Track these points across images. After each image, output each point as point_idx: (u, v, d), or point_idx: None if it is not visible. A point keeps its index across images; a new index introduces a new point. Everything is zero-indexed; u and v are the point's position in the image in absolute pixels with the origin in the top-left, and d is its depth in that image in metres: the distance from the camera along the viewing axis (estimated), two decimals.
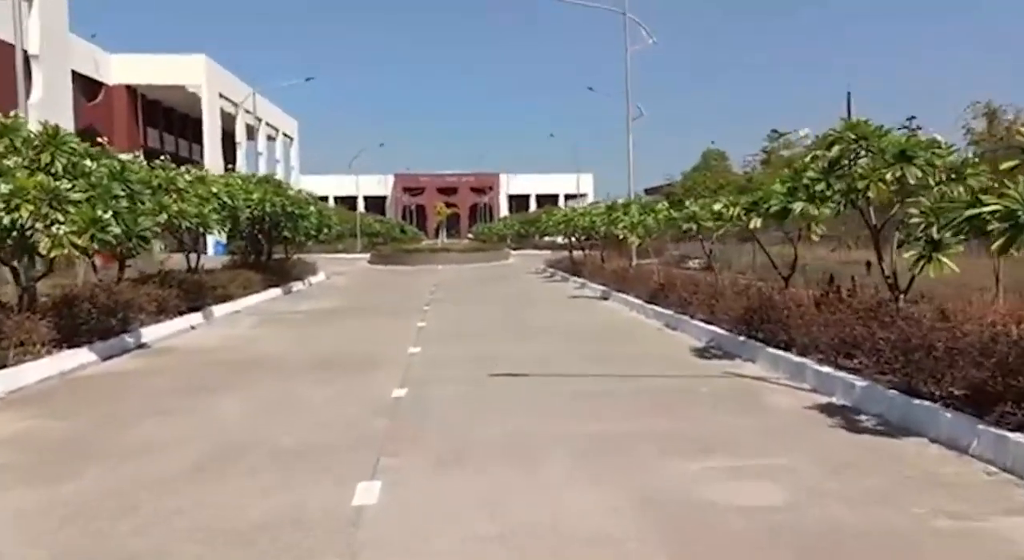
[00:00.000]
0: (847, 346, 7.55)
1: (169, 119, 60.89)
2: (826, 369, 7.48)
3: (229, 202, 16.77)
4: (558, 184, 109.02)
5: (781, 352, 8.53)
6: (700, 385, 7.93)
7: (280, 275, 22.66)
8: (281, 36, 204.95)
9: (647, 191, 44.12)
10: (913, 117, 9.23)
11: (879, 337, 7.07)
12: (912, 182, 7.30)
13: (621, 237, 18.13)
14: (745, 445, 5.68)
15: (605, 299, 17.67)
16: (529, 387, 8.00)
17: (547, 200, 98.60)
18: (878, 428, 6.00)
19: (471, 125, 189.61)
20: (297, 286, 23.36)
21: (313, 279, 26.18)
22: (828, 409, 6.66)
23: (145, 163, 13.77)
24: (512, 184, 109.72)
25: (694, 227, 13.15)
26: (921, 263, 6.47)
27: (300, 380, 8.55)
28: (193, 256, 17.91)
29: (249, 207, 19.50)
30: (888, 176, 7.34)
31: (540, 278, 27.06)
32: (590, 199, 76.46)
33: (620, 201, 22.46)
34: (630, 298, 15.88)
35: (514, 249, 53.74)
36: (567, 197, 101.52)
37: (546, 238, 66.87)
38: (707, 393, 7.59)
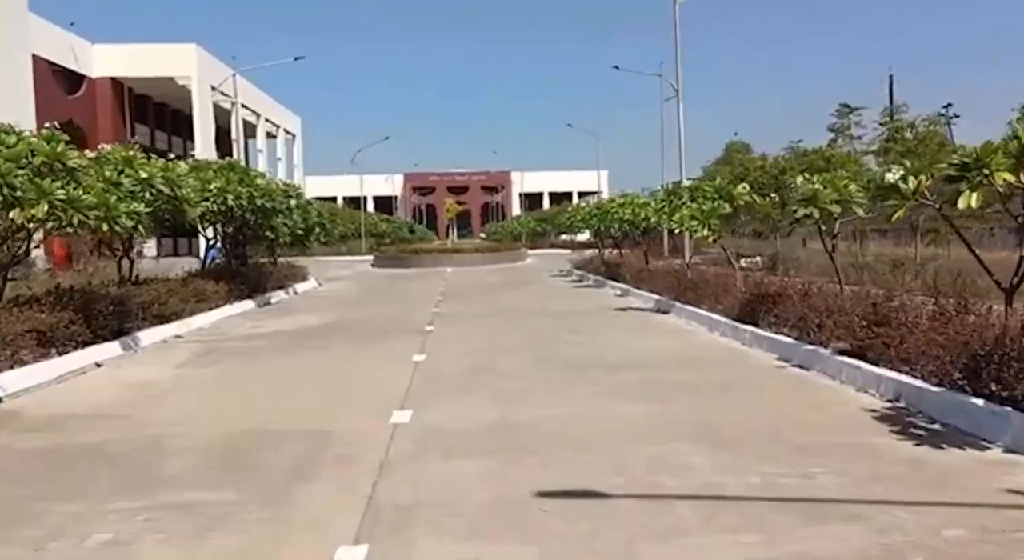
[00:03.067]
0: None
1: (160, 115, 57.15)
2: None
3: (168, 192, 12.74)
4: (572, 181, 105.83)
5: None
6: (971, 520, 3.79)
7: (256, 283, 18.65)
8: (280, 29, 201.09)
9: (662, 187, 40.08)
10: None
11: None
12: None
13: (680, 231, 13.99)
14: None
15: (664, 313, 13.49)
16: (627, 534, 3.86)
17: (560, 198, 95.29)
18: None
19: (482, 122, 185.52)
20: (277, 296, 19.33)
21: (300, 287, 22.17)
22: None
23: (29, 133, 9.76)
24: (524, 182, 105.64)
25: (814, 213, 8.98)
26: None
27: (160, 520, 4.44)
28: (128, 263, 13.98)
29: (207, 200, 15.52)
30: None
31: (567, 283, 22.88)
32: (605, 197, 72.52)
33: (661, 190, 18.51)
34: (704, 313, 11.71)
35: (530, 248, 49.50)
36: (581, 194, 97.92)
37: (563, 237, 63.09)
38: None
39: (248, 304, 16.94)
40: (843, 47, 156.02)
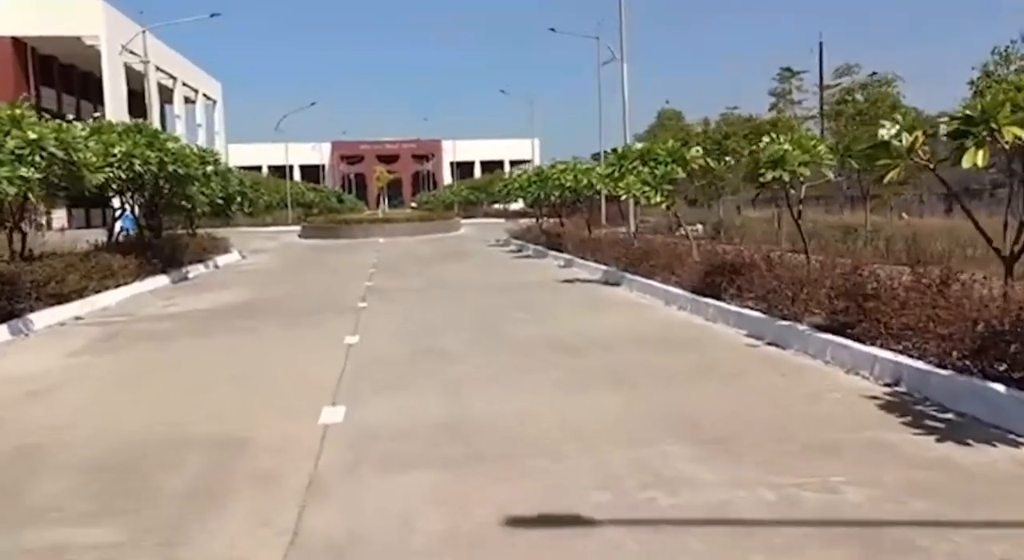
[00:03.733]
0: None
1: (68, 78, 53.69)
2: None
3: (62, 156, 11.29)
4: (503, 150, 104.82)
5: None
6: None
7: (171, 257, 17.21)
8: None
9: (594, 157, 39.41)
10: None
11: None
12: None
13: (626, 198, 13.22)
14: None
15: (614, 285, 12.71)
16: None
17: (492, 166, 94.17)
18: None
19: (413, 88, 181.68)
20: (195, 271, 17.93)
21: (221, 260, 20.74)
22: None
23: None
24: (456, 151, 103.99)
25: (783, 176, 8.25)
26: None
27: None
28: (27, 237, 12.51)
29: (111, 166, 14.03)
30: None
31: (506, 253, 21.98)
32: (536, 165, 71.53)
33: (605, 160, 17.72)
34: (658, 284, 10.96)
35: (463, 218, 48.38)
36: (512, 163, 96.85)
37: (496, 206, 62.02)
38: None
39: (162, 280, 15.55)
40: (773, 22, 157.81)
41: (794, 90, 26.93)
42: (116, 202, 16.96)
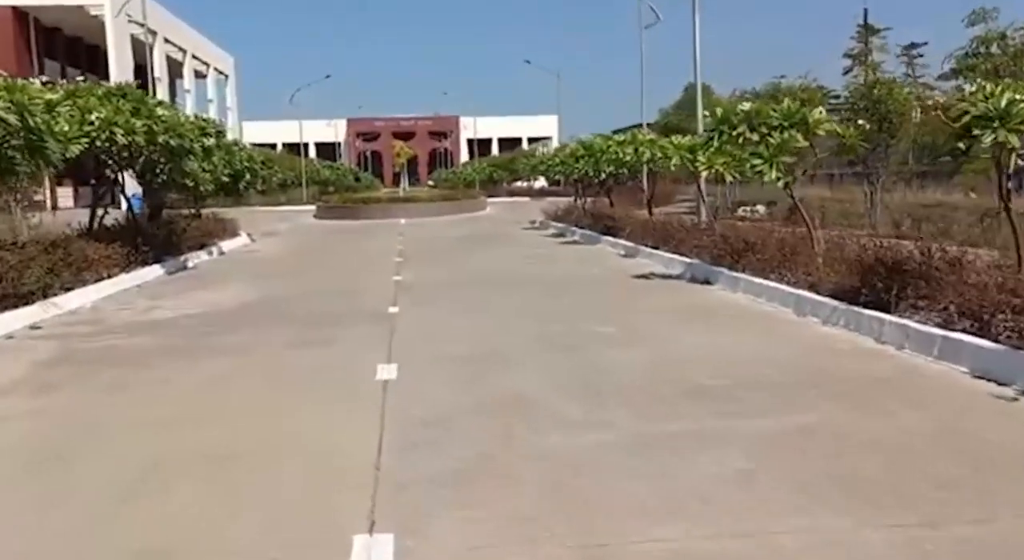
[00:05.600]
0: None
1: (73, 51, 51.21)
2: None
3: (15, 122, 8.89)
4: (523, 127, 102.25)
5: None
6: None
7: (167, 243, 14.85)
8: None
9: (616, 132, 36.58)
10: None
11: None
12: None
13: (718, 174, 10.73)
14: None
15: (706, 283, 10.14)
16: None
17: (510, 144, 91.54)
18: None
19: (429, 61, 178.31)
20: (196, 258, 15.57)
21: (227, 244, 18.39)
22: None
23: None
24: (472, 127, 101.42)
25: (1010, 140, 5.71)
26: None
27: None
28: None
29: (88, 136, 11.61)
30: None
31: (548, 237, 19.43)
32: (555, 142, 68.86)
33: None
34: (778, 286, 8.41)
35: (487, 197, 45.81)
36: (531, 140, 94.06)
37: (518, 183, 59.34)
38: None
39: (154, 271, 13.20)
40: None
41: (874, 51, 24.02)
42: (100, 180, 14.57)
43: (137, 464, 4.21)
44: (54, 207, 37.31)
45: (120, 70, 46.66)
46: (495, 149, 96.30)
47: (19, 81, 9.35)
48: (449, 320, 8.30)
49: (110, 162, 13.42)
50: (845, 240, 9.48)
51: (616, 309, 8.65)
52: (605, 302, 9.18)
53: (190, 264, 14.92)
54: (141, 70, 49.29)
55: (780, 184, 9.12)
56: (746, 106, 9.21)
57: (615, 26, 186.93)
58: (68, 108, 11.98)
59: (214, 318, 8.95)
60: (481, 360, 6.32)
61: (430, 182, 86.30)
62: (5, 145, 9.54)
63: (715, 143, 9.51)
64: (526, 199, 48.13)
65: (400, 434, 4.49)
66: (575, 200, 23.66)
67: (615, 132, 29.50)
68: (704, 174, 11.93)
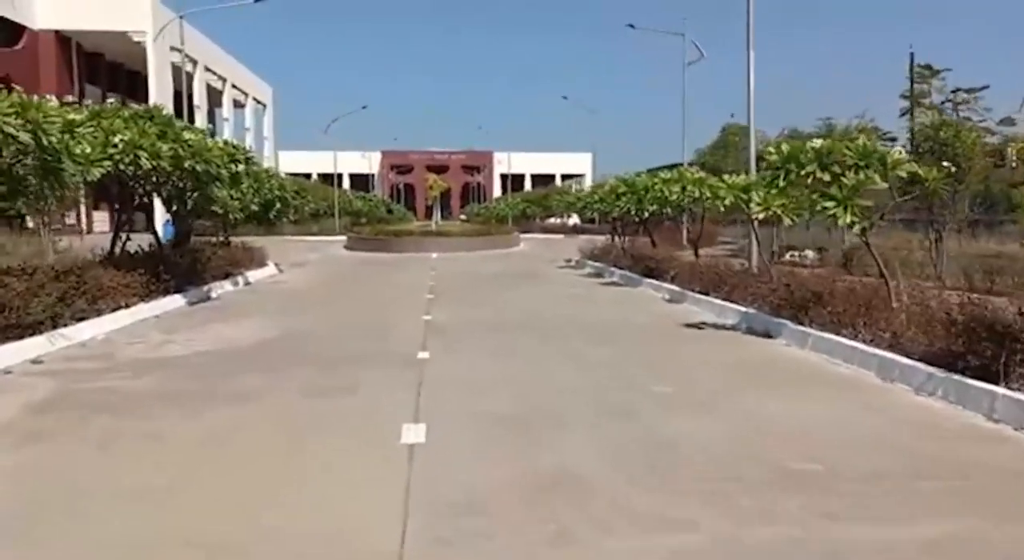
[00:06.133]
0: None
1: (114, 76, 51.79)
2: None
3: (28, 139, 8.33)
4: (556, 164, 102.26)
5: None
6: None
7: (191, 271, 14.24)
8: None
9: (651, 171, 35.77)
10: None
11: None
12: None
13: (775, 217, 9.88)
14: None
15: (765, 336, 9.23)
16: None
17: (544, 180, 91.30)
18: None
19: (465, 95, 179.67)
20: (220, 288, 14.96)
21: (253, 274, 17.76)
22: None
23: None
24: (506, 163, 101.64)
25: None
26: None
27: None
28: None
29: (111, 159, 11.07)
30: None
31: (584, 278, 18.60)
32: (588, 180, 68.38)
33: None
34: (855, 345, 7.48)
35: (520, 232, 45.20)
36: (564, 177, 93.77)
37: (550, 220, 58.71)
38: None
39: (175, 301, 12.58)
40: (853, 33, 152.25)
41: (933, 92, 23.10)
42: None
43: (109, 552, 3.41)
44: (88, 231, 37.32)
45: (160, 97, 47.00)
46: (528, 185, 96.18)
47: (35, 98, 8.79)
48: (484, 369, 7.48)
49: (135, 186, 12.88)
50: (923, 293, 8.56)
51: (670, 363, 7.78)
52: (656, 354, 8.31)
53: (213, 294, 14.30)
54: (181, 97, 49.86)
55: (856, 229, 8.23)
56: (817, 143, 8.36)
57: (652, 65, 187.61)
58: (92, 129, 11.52)
59: (228, 357, 8.22)
60: (522, 422, 5.48)
61: (462, 216, 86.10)
62: (17, 165, 9.03)
63: (779, 182, 8.65)
64: (560, 236, 47.44)
65: (427, 525, 3.66)
66: (611, 239, 22.87)
67: (650, 171, 28.80)
68: (760, 215, 11.05)
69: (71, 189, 9.66)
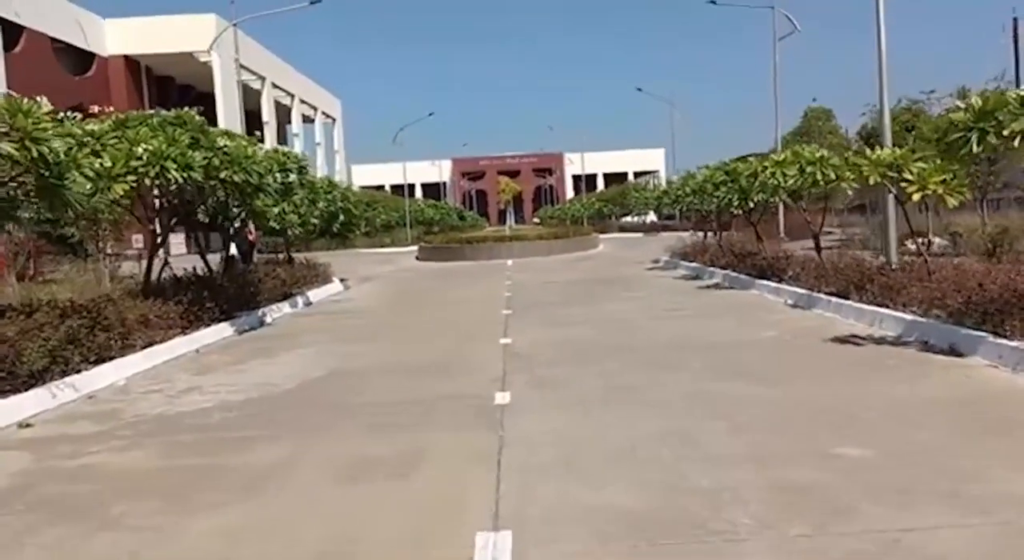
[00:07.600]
0: None
1: (184, 98, 51.54)
2: None
3: (11, 150, 6.76)
4: (628, 162, 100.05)
5: None
6: None
7: (241, 296, 12.71)
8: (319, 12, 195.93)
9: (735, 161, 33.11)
10: None
11: None
12: None
13: (899, 198, 7.62)
14: None
15: (957, 354, 6.97)
16: None
17: (616, 179, 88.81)
18: None
19: (534, 94, 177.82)
20: (278, 311, 13.43)
21: (315, 293, 16.21)
22: None
23: None
24: (578, 163, 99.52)
25: None
26: None
27: None
28: None
29: (135, 172, 9.56)
30: None
31: (681, 280, 16.38)
32: (663, 176, 65.56)
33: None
34: None
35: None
36: (636, 174, 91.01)
37: (626, 218, 56.24)
38: None
39: (221, 330, 11.04)
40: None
41: None
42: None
43: None
44: (167, 253, 36.95)
45: (228, 113, 46.66)
46: (600, 184, 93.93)
47: (24, 101, 7.23)
48: (589, 424, 5.48)
49: (166, 202, 11.40)
50: None
51: (845, 406, 5.60)
52: (818, 391, 6.13)
53: (269, 318, 12.74)
54: (251, 117, 49.48)
55: None
56: None
57: (729, 54, 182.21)
58: (116, 140, 10.05)
59: (257, 410, 6.46)
60: (667, 528, 3.47)
61: (535, 220, 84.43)
62: (10, 183, 7.50)
63: (971, 148, 6.38)
64: (639, 235, 45.16)
65: None
66: (704, 235, 20.56)
67: (734, 160, 26.31)
68: (914, 198, 8.75)
69: (80, 209, 8.05)
